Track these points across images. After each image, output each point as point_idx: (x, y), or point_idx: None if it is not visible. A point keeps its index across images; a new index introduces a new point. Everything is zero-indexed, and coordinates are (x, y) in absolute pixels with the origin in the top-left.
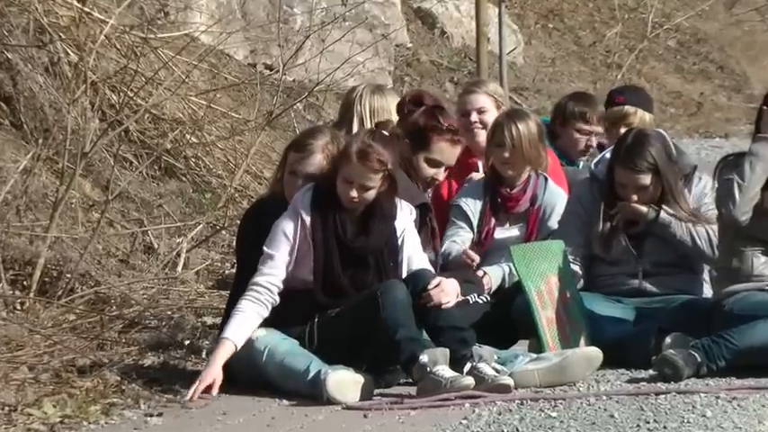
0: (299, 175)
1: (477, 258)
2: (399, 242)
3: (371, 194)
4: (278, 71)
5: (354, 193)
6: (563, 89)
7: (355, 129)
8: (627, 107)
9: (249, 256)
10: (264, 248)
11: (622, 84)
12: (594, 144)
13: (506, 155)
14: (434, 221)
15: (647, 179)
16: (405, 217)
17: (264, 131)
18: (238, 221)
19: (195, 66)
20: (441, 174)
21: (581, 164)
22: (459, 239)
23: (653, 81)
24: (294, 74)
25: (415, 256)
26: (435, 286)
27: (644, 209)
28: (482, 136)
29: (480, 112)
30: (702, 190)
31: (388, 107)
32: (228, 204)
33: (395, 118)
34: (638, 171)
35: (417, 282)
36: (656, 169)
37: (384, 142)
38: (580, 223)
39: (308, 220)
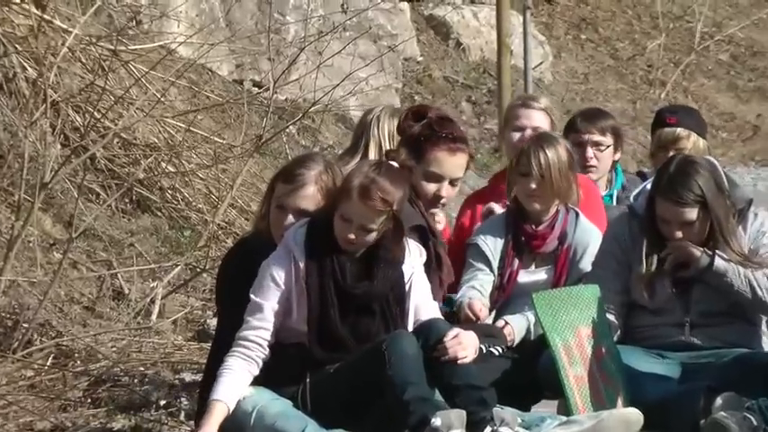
0: (289, 209)
1: (482, 315)
2: (407, 288)
3: (372, 237)
4: (268, 89)
5: (352, 235)
6: None
7: (372, 157)
8: (679, 129)
9: (232, 305)
10: (252, 296)
11: (667, 103)
12: (591, 155)
13: (533, 186)
14: (439, 247)
15: (692, 213)
16: (413, 259)
17: (253, 158)
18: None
19: (172, 83)
20: (444, 189)
21: (613, 195)
22: (479, 284)
23: (702, 101)
24: (287, 92)
25: (423, 304)
26: (453, 338)
27: (698, 251)
28: None
29: (536, 130)
30: (759, 228)
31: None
32: (210, 243)
33: None
34: (682, 204)
35: (430, 333)
36: (703, 202)
37: (392, 177)
38: (617, 266)
39: (301, 262)
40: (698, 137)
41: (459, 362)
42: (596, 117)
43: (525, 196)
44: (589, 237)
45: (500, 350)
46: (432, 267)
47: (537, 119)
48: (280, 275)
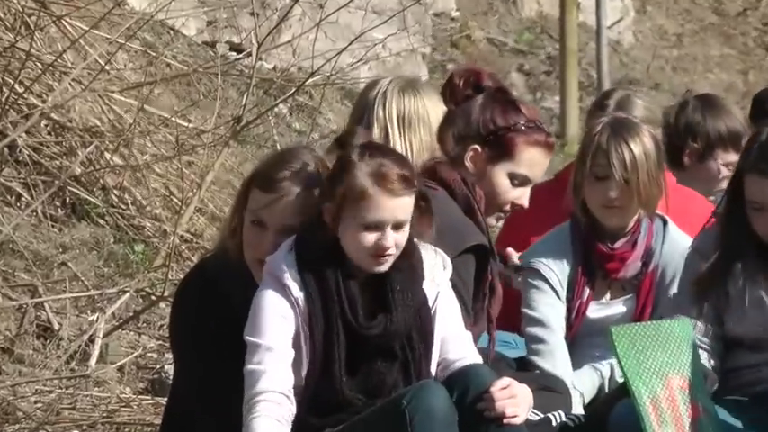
0: (269, 226)
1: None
2: (433, 314)
3: (406, 235)
4: (250, 54)
5: (389, 241)
6: (695, 84)
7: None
8: None
9: (191, 352)
10: (254, 339)
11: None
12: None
13: (613, 194)
14: (495, 274)
15: None
16: (436, 273)
17: (228, 148)
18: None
19: (121, 46)
20: (526, 197)
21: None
22: (555, 314)
23: None
24: (275, 58)
25: (453, 338)
26: (502, 388)
27: None
28: None
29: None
30: None
31: (426, 112)
32: (170, 262)
33: (434, 124)
34: None
35: (470, 382)
36: None
37: (393, 152)
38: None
39: (300, 298)
40: None
41: (506, 420)
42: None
43: (601, 207)
44: (683, 253)
45: (561, 416)
46: (483, 298)
47: None
48: (286, 313)
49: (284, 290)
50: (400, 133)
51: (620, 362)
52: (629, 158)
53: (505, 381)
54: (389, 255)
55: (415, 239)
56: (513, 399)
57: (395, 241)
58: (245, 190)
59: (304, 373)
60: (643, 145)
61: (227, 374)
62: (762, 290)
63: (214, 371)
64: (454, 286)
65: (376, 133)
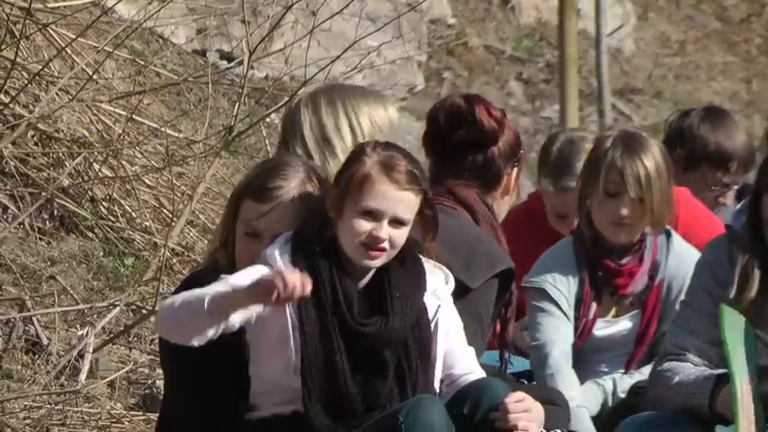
0: (264, 237)
1: None
2: (432, 327)
3: (404, 236)
4: (241, 63)
5: (384, 233)
6: (698, 92)
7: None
8: None
9: (181, 369)
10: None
11: None
12: (729, 199)
13: (625, 212)
14: (514, 297)
15: None
16: (437, 286)
17: (220, 158)
18: None
19: (109, 54)
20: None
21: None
22: (561, 337)
23: None
24: (267, 67)
25: (457, 352)
26: (517, 401)
27: None
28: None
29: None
30: None
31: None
32: (161, 275)
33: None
34: None
35: (482, 394)
36: None
37: (407, 153)
38: (712, 305)
39: None
40: None
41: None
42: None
43: (610, 224)
44: (688, 266)
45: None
46: (502, 321)
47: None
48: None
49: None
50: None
51: (725, 343)
52: (645, 176)
53: (520, 394)
54: (382, 249)
55: (418, 253)
56: (527, 413)
57: (390, 237)
58: (235, 201)
59: (293, 365)
60: (656, 161)
61: (217, 392)
62: None
63: (204, 389)
64: (476, 310)
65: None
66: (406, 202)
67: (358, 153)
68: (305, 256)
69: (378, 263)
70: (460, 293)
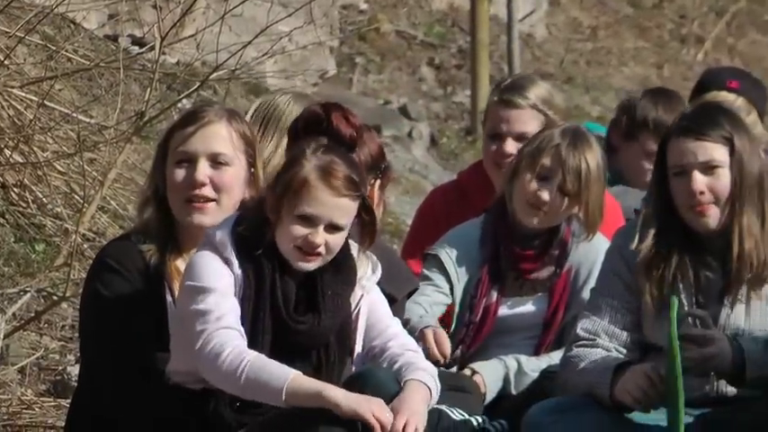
0: (199, 156)
1: (447, 352)
2: (353, 318)
3: (340, 241)
4: (153, 48)
5: (320, 238)
6: (610, 77)
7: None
8: (741, 100)
9: (103, 340)
10: (197, 283)
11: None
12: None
13: (546, 197)
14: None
15: (718, 152)
16: (364, 275)
17: (131, 144)
18: None
19: (20, 39)
20: None
21: None
22: (427, 302)
23: (754, 64)
24: (179, 52)
25: (378, 327)
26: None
27: (713, 349)
28: None
29: (521, 138)
30: None
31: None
32: (72, 261)
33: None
34: (703, 137)
35: (364, 386)
36: (732, 145)
37: (347, 160)
38: (625, 291)
39: (238, 274)
40: (757, 117)
41: None
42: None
43: (527, 204)
44: (597, 253)
45: (485, 422)
46: None
47: (523, 122)
48: (226, 272)
49: (227, 262)
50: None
51: (672, 332)
52: (585, 171)
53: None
54: (318, 254)
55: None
56: (402, 416)
57: (326, 242)
58: (164, 143)
59: None
60: (597, 162)
61: (139, 341)
62: (686, 290)
63: (126, 336)
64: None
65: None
66: (342, 209)
67: (297, 156)
68: (250, 251)
69: (313, 266)
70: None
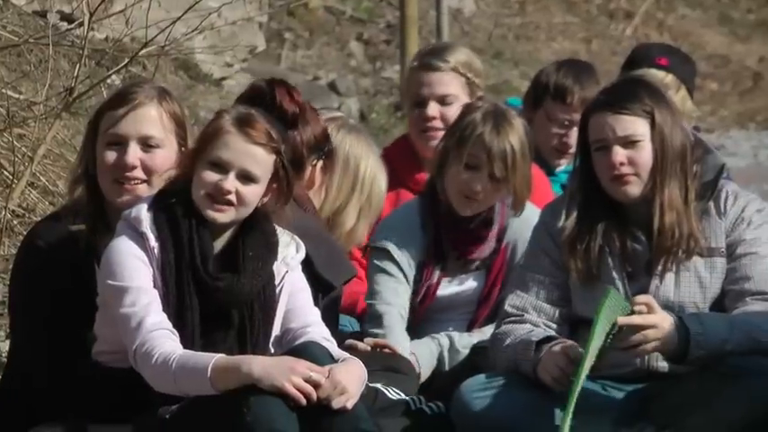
0: (129, 138)
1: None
2: (278, 292)
3: (253, 194)
4: (81, 24)
5: (230, 184)
6: (538, 52)
7: None
8: (670, 77)
9: (34, 322)
10: (121, 283)
11: (635, 42)
12: (573, 140)
13: (479, 188)
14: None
15: (638, 126)
16: (288, 254)
17: (61, 120)
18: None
19: None
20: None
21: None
22: (400, 301)
23: (683, 39)
24: (107, 28)
25: (298, 311)
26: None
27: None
28: None
29: (444, 101)
30: (739, 214)
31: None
32: (2, 237)
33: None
34: (624, 111)
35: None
36: (652, 119)
37: (267, 116)
38: (551, 266)
39: (155, 246)
40: (687, 93)
41: (336, 408)
42: (590, 88)
43: (461, 196)
44: (531, 227)
45: (421, 402)
46: None
47: (444, 85)
48: (142, 257)
49: (141, 238)
50: None
51: (599, 320)
52: (510, 155)
53: (326, 368)
54: (228, 202)
55: (275, 224)
56: (338, 385)
57: (237, 191)
58: (94, 121)
59: None
60: (521, 141)
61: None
62: (614, 261)
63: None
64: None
65: None
66: (255, 157)
67: (219, 112)
68: (166, 216)
69: (224, 217)
70: (325, 290)
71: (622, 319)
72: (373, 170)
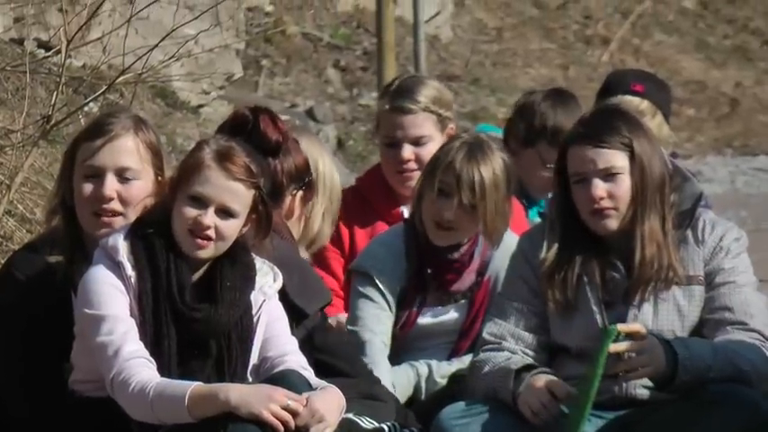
0: (106, 170)
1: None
2: (255, 321)
3: (232, 229)
4: (59, 52)
5: (209, 219)
6: (515, 78)
7: None
8: (646, 103)
9: (10, 353)
10: (97, 311)
11: (611, 68)
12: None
13: (449, 216)
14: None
15: (617, 158)
16: (265, 283)
17: (38, 148)
18: None
19: None
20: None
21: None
22: (382, 328)
23: (659, 64)
24: (85, 56)
25: (275, 340)
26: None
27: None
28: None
29: (418, 143)
30: (718, 242)
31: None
32: None
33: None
34: (602, 145)
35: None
36: (631, 151)
37: (247, 150)
38: (529, 294)
39: (132, 275)
40: (663, 119)
41: None
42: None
43: (434, 225)
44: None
45: (396, 428)
46: None
47: (418, 127)
48: (119, 285)
49: (118, 267)
50: None
51: (597, 363)
52: (479, 183)
53: (305, 395)
54: (208, 238)
55: (253, 254)
56: (315, 413)
57: (216, 226)
58: (71, 152)
59: None
60: (494, 172)
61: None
62: (592, 290)
63: (37, 358)
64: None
65: None
66: (234, 193)
67: (199, 144)
68: (144, 245)
69: (204, 253)
70: (297, 319)
71: (615, 346)
72: (330, 168)
